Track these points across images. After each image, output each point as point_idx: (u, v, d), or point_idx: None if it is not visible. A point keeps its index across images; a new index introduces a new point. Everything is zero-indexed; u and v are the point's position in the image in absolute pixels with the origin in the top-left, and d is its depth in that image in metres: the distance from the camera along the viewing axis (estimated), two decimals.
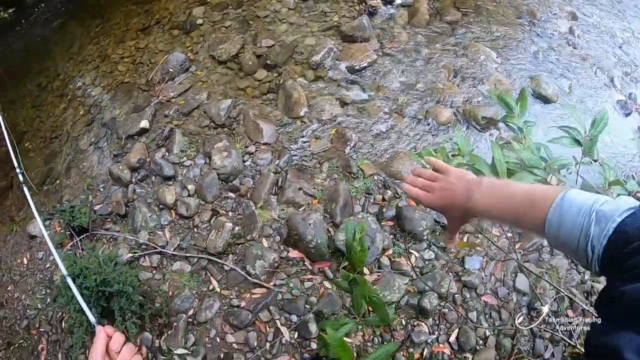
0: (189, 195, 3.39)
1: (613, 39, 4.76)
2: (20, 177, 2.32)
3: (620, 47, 4.68)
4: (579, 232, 0.67)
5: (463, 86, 4.00)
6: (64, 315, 3.32)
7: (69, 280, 1.06)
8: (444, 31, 4.45)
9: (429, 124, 3.74)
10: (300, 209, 3.19)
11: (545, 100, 3.96)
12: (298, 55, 4.11)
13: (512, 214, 0.79)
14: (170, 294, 3.04)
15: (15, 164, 2.33)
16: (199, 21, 4.58)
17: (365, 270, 2.86)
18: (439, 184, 0.93)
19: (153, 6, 5.07)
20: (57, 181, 4.19)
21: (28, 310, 3.52)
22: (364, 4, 4.68)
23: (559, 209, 0.70)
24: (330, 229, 3.06)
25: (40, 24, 6.36)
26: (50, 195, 4.15)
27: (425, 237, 3.02)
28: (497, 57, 4.22)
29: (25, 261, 3.90)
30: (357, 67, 4.05)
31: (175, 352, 2.79)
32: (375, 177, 3.38)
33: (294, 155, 3.48)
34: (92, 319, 0.98)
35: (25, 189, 1.99)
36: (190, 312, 2.92)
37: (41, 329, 3.37)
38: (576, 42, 4.55)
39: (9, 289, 3.82)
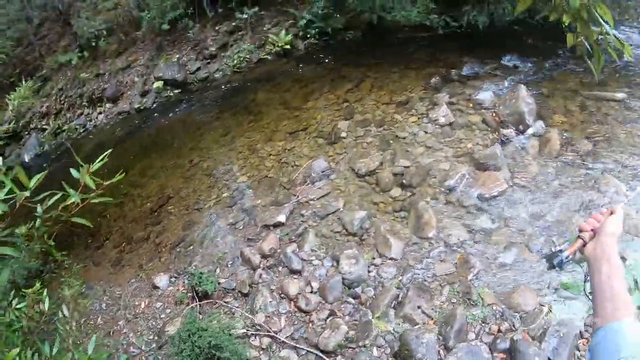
0: (311, 292, 3.57)
1: None
2: None
3: None
4: None
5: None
6: None
7: None
8: (574, 162, 4.35)
9: None
10: (416, 327, 3.17)
11: None
12: (432, 178, 4.30)
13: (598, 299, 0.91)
14: None
15: None
16: (343, 134, 5.09)
17: None
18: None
19: (303, 113, 5.79)
20: (191, 247, 4.64)
21: (131, 348, 3.79)
22: (497, 133, 4.82)
23: (603, 337, 0.82)
24: (441, 350, 3.01)
25: (199, 108, 7.56)
26: (181, 258, 4.59)
27: None
28: (627, 190, 3.95)
29: (142, 305, 4.26)
30: (487, 196, 4.08)
31: None
32: (494, 307, 3.26)
33: (418, 274, 3.52)
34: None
35: None
36: None
37: None
38: None
39: (119, 323, 4.16)
